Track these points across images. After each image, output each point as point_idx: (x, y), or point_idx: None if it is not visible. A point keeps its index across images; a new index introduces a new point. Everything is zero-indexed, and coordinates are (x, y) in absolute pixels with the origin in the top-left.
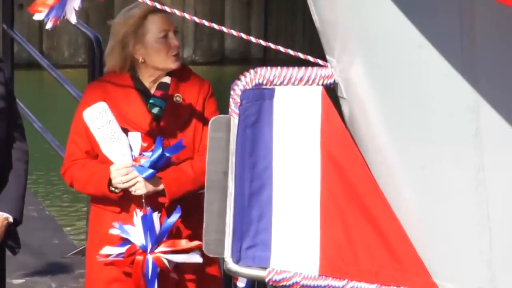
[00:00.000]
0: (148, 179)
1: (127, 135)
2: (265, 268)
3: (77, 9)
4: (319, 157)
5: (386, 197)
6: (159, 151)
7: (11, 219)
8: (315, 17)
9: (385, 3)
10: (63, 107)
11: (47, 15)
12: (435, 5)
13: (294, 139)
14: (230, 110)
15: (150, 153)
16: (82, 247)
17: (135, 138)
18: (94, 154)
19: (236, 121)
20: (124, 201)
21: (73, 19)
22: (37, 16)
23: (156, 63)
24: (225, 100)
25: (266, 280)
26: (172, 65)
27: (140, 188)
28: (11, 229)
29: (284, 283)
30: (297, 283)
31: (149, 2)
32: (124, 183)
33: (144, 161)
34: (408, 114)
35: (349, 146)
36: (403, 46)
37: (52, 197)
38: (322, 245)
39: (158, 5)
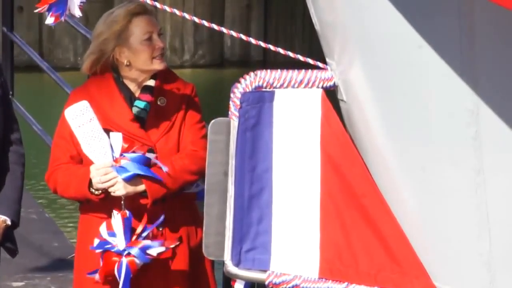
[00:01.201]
0: (127, 180)
1: (108, 135)
2: (265, 271)
3: (78, 3)
4: (319, 160)
5: (385, 199)
6: (140, 154)
7: (9, 222)
8: (314, 20)
9: (384, 4)
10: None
11: (48, 10)
12: (434, 6)
13: (294, 141)
14: (230, 112)
15: (130, 154)
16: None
17: (117, 138)
18: (79, 159)
19: (236, 123)
20: (111, 207)
21: (77, 12)
22: (39, 10)
23: (141, 65)
24: (225, 102)
25: (266, 282)
26: (158, 66)
27: (119, 189)
28: (9, 231)
29: (284, 286)
30: (297, 285)
31: (149, 2)
32: (103, 183)
33: (125, 162)
34: (408, 116)
35: (348, 148)
36: (402, 48)
37: (52, 200)
38: (322, 247)
39: (158, 5)
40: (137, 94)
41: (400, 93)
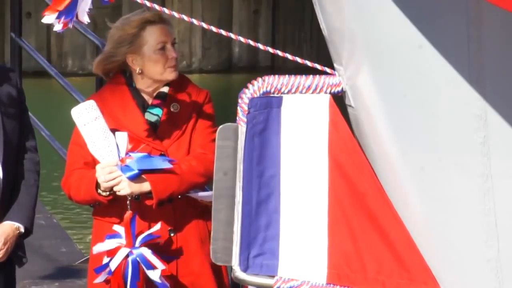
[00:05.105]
0: (131, 179)
1: (114, 135)
2: (273, 277)
3: (86, 10)
4: (326, 166)
5: (393, 205)
6: (144, 153)
7: (22, 229)
8: (322, 25)
9: (391, 10)
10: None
11: (57, 17)
12: (441, 12)
13: (301, 147)
14: (237, 118)
15: (136, 154)
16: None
17: (122, 138)
18: (94, 165)
19: (244, 129)
20: (122, 211)
21: (85, 19)
22: (46, 19)
23: (153, 75)
24: (232, 108)
25: None
26: (169, 76)
27: (124, 187)
28: (20, 239)
29: None
30: None
31: (158, 8)
32: (107, 181)
33: (130, 161)
34: (415, 122)
35: (356, 154)
36: (409, 53)
37: (60, 205)
38: (329, 253)
39: (166, 11)
40: (150, 101)
41: (407, 99)
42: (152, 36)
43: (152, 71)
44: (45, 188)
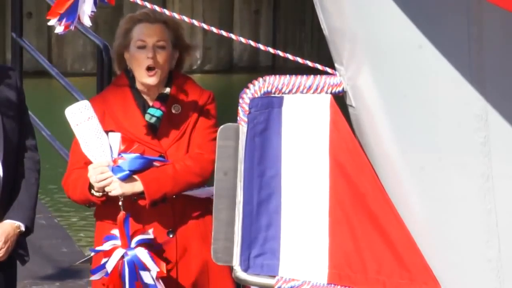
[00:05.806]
0: (123, 179)
1: (108, 135)
2: (273, 277)
3: (89, 13)
4: (327, 165)
5: (394, 205)
6: (137, 154)
7: (23, 228)
8: (323, 25)
9: (392, 10)
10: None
11: (58, 19)
12: (443, 12)
13: (302, 147)
14: (238, 118)
15: (128, 155)
16: (91, 256)
17: (115, 139)
18: None
19: (245, 129)
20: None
21: (86, 21)
22: (50, 22)
23: (136, 74)
24: (233, 108)
25: None
26: (146, 80)
27: (115, 188)
28: (22, 238)
29: None
30: None
31: (158, 9)
32: (98, 182)
33: (121, 162)
34: (415, 122)
35: (357, 154)
36: (409, 53)
37: (61, 205)
38: (330, 253)
39: (167, 12)
40: (151, 102)
41: (408, 99)
42: (135, 34)
43: (134, 70)
44: (45, 188)
